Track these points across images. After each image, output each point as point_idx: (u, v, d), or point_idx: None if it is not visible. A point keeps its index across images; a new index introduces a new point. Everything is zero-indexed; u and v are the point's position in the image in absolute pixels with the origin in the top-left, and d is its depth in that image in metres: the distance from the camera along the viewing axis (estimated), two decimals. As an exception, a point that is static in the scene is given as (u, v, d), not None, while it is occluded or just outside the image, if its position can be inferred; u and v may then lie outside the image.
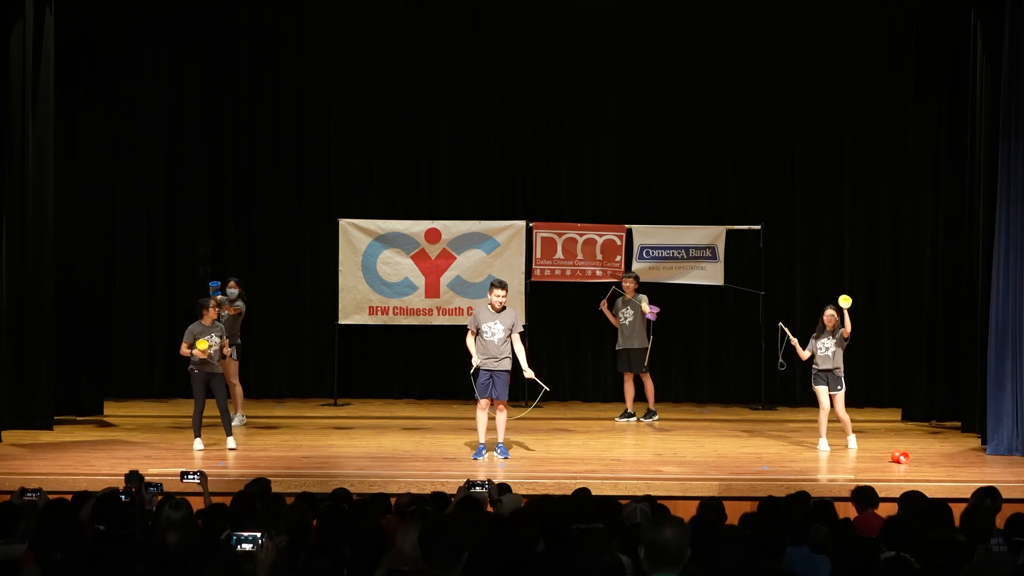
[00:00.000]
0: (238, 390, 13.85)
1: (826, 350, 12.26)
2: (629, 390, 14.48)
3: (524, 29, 16.40)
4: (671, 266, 15.67)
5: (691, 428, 14.02)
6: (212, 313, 12.07)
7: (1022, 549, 6.43)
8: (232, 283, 13.74)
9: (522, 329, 11.84)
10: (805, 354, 12.39)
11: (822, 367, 12.29)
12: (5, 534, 6.61)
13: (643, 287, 15.34)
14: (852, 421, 14.73)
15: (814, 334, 12.37)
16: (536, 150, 16.64)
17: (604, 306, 14.71)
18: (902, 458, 11.45)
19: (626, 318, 14.39)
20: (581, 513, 7.06)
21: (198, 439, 11.89)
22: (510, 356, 11.55)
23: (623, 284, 14.60)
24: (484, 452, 11.47)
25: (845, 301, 12.21)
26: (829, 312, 12.29)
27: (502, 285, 11.79)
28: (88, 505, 7.19)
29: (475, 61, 16.55)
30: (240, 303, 13.67)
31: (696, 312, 16.47)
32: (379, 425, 13.96)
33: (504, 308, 11.62)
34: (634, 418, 14.35)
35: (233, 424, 12.67)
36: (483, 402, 11.53)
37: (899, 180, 15.54)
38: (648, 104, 16.48)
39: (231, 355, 12.81)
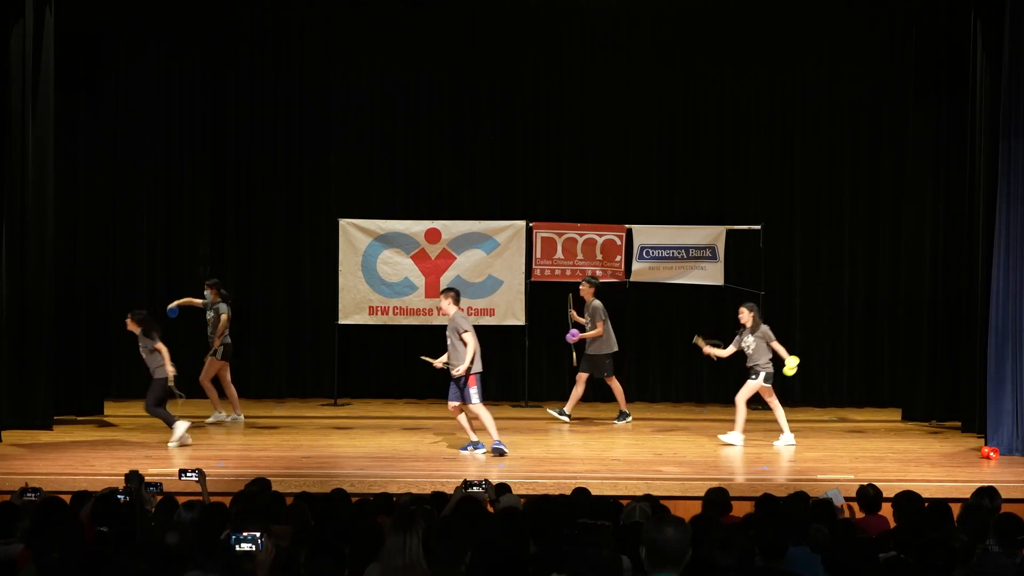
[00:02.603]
0: (231, 391, 14.01)
1: (748, 348, 12.54)
2: (617, 390, 14.38)
3: (524, 29, 16.40)
4: (671, 266, 15.67)
5: (691, 428, 14.01)
6: (130, 325, 12.55)
7: (1017, 548, 6.43)
8: (208, 287, 13.93)
9: (467, 328, 11.80)
10: (727, 352, 12.83)
11: (748, 363, 12.55)
12: (5, 534, 6.62)
13: (643, 286, 15.40)
14: (851, 421, 14.81)
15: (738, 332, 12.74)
16: (536, 150, 16.63)
17: (573, 314, 14.57)
18: (991, 454, 11.65)
19: (588, 322, 14.30)
20: (581, 512, 7.06)
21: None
22: (461, 360, 11.65)
23: (580, 288, 14.49)
24: (469, 448, 11.72)
25: (790, 371, 12.64)
26: (742, 311, 12.62)
27: (441, 292, 12.34)
28: (88, 505, 7.20)
29: (475, 61, 16.55)
30: (222, 306, 13.71)
31: (696, 312, 16.45)
32: (379, 425, 13.96)
33: (452, 314, 11.86)
34: (629, 417, 14.30)
35: (227, 420, 13.63)
36: (451, 405, 11.91)
37: (899, 180, 15.53)
38: (648, 104, 16.48)
39: (216, 356, 13.59)
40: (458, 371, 11.65)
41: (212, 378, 13.89)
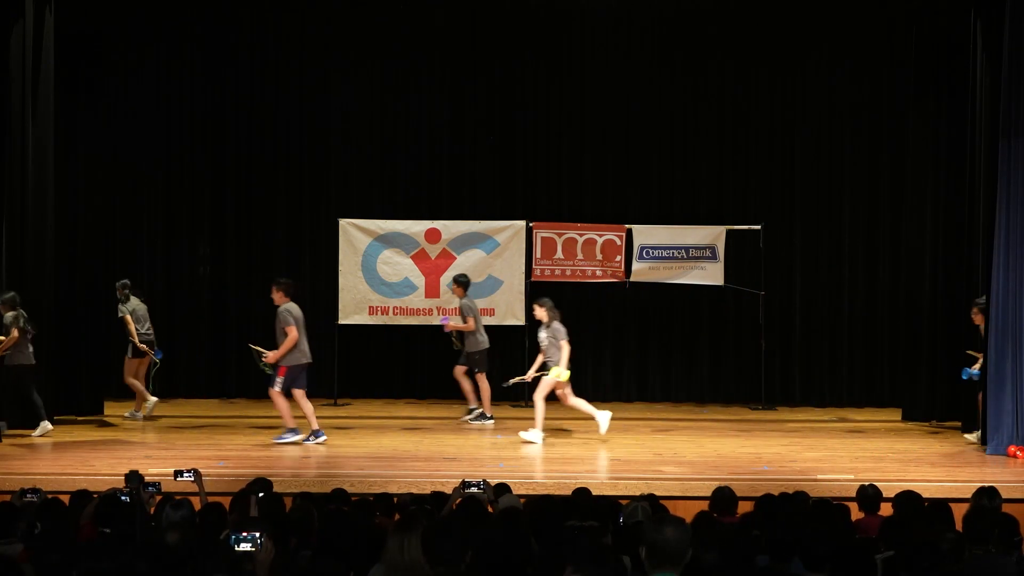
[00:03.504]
0: (137, 387, 14.29)
1: (542, 343, 12.84)
2: (484, 389, 14.24)
3: (524, 29, 16.41)
4: (671, 266, 15.67)
5: (691, 428, 14.01)
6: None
7: (1015, 548, 6.43)
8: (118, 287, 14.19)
9: (288, 323, 12.23)
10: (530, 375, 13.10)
11: (544, 359, 12.82)
12: (5, 534, 6.63)
13: (643, 286, 15.40)
14: (851, 421, 14.82)
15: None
16: (536, 150, 16.63)
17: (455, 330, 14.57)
18: (1019, 453, 11.65)
19: (460, 319, 14.42)
20: (575, 512, 7.06)
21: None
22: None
23: (451, 288, 14.66)
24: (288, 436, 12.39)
25: (555, 376, 12.71)
26: (536, 307, 12.97)
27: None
28: (89, 507, 7.19)
29: (475, 61, 16.55)
30: (123, 308, 14.01)
31: (696, 312, 16.47)
32: (379, 425, 13.97)
33: (282, 306, 12.35)
34: (491, 420, 14.10)
35: (126, 416, 13.95)
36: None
37: (899, 180, 15.54)
38: (648, 104, 16.47)
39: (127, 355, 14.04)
40: (268, 357, 12.27)
41: (134, 374, 14.30)
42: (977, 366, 12.63)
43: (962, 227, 13.47)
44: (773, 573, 5.79)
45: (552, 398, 12.89)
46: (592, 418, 12.91)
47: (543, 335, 12.80)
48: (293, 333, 12.16)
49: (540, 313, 12.87)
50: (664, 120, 16.56)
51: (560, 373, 12.61)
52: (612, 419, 14.45)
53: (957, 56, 13.57)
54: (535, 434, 12.52)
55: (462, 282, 14.42)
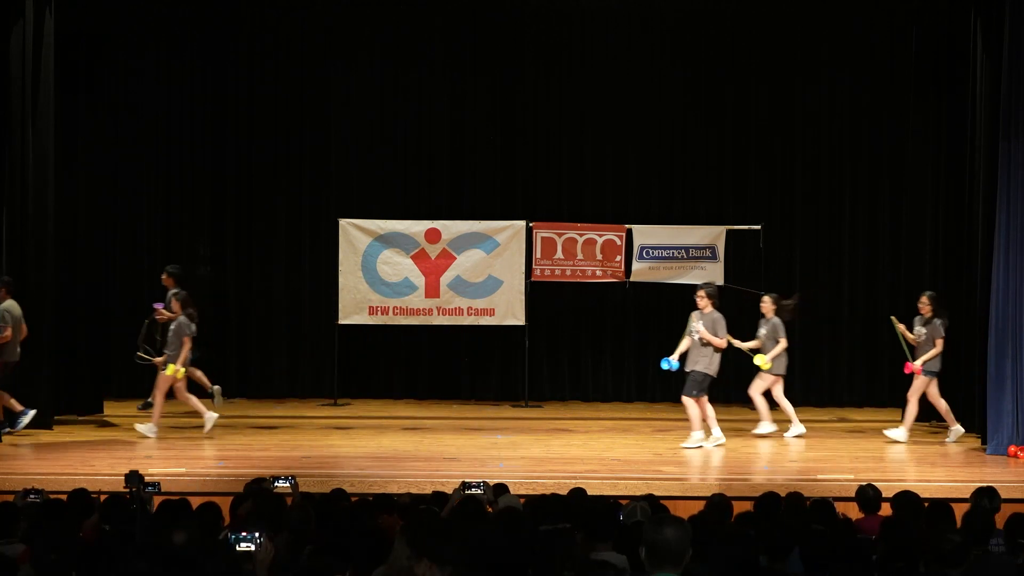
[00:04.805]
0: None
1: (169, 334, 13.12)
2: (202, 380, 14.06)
3: (524, 28, 16.41)
4: (671, 266, 15.67)
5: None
6: None
7: (1021, 550, 6.43)
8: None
9: (3, 321, 12.46)
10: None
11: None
12: (6, 534, 6.63)
13: (643, 286, 15.38)
14: (851, 421, 14.82)
15: None
16: (536, 150, 16.63)
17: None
18: (1020, 453, 11.66)
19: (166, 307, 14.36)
20: (572, 513, 7.06)
21: None
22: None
23: (163, 279, 14.61)
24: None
25: (170, 371, 12.68)
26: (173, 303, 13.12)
27: None
28: (94, 517, 7.19)
29: (475, 61, 16.55)
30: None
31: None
32: (379, 425, 13.97)
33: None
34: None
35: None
36: None
37: (899, 180, 15.53)
38: (648, 104, 16.46)
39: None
40: None
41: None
42: (675, 356, 12.64)
43: (962, 227, 13.47)
44: (772, 573, 5.80)
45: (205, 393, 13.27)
46: (200, 415, 12.93)
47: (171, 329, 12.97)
48: (8, 333, 12.45)
49: (175, 307, 13.03)
50: (664, 120, 16.55)
51: (176, 370, 12.70)
52: (613, 419, 14.49)
53: (957, 56, 13.57)
54: (149, 428, 12.66)
55: (172, 273, 14.42)
